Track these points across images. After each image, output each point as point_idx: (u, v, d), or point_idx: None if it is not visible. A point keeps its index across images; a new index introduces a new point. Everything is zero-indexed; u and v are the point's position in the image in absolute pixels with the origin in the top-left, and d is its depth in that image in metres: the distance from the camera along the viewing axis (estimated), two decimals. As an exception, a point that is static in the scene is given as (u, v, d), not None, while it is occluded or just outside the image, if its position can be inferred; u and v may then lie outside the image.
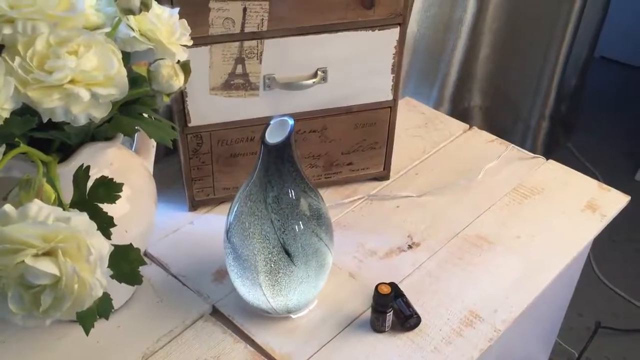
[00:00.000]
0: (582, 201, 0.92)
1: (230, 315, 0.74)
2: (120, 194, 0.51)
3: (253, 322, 0.73)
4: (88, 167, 0.52)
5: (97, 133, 0.60)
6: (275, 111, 0.80)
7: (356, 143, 0.89)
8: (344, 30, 0.78)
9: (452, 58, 1.55)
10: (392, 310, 0.71)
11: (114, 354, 0.69)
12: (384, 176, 0.94)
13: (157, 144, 0.76)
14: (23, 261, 0.42)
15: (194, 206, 0.88)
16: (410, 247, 0.84)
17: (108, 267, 0.50)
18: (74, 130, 0.56)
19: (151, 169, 0.74)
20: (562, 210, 0.90)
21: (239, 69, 0.77)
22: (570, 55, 1.79)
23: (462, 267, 0.81)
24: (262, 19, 0.74)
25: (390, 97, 0.86)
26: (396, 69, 0.83)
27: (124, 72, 0.54)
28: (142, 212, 0.67)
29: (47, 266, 0.42)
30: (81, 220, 0.44)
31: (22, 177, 0.48)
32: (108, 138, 0.61)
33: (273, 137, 0.63)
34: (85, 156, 0.58)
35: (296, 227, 0.65)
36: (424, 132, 1.06)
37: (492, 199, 0.92)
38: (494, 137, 1.05)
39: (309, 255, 0.67)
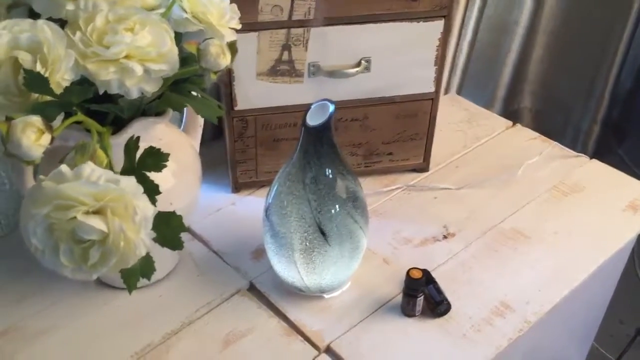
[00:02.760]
0: (624, 201, 0.91)
1: (266, 292, 0.76)
2: (166, 163, 0.54)
3: (287, 299, 0.76)
4: (138, 138, 0.56)
5: (148, 108, 0.64)
6: (319, 98, 0.82)
7: (397, 133, 0.90)
8: (389, 21, 0.80)
9: (506, 59, 1.54)
10: (422, 296, 0.73)
11: (154, 321, 0.72)
12: (423, 168, 0.96)
13: (204, 124, 0.79)
14: (75, 217, 0.45)
15: (237, 188, 0.91)
16: (445, 237, 0.85)
17: (152, 230, 0.54)
18: (127, 105, 0.60)
19: (197, 148, 0.77)
20: (603, 209, 0.90)
21: (285, 56, 0.80)
22: (626, 58, 1.75)
23: (497, 258, 0.82)
24: (309, 8, 0.76)
25: (433, 89, 0.87)
26: (439, 61, 0.84)
27: (175, 50, 0.57)
28: (186, 186, 0.71)
29: (96, 223, 0.46)
30: (129, 183, 0.48)
31: (78, 142, 0.51)
32: (158, 114, 0.65)
33: (314, 119, 0.65)
34: (136, 129, 0.61)
35: (332, 208, 0.68)
36: (466, 127, 1.07)
37: (532, 194, 0.92)
38: (537, 134, 1.05)
39: (343, 237, 0.69)
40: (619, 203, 0.91)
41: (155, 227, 0.54)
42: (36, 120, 0.45)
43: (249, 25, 0.76)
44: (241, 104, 0.82)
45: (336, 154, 0.68)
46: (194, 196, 0.73)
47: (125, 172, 0.56)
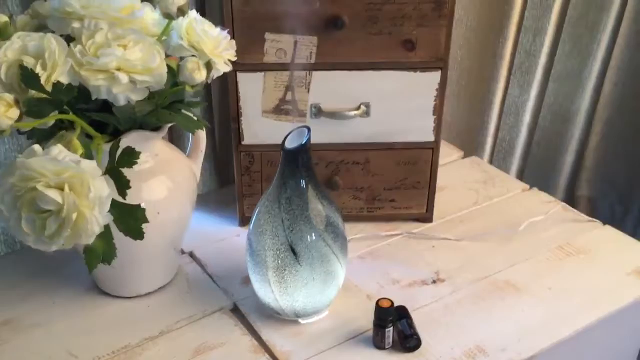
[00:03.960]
0: (631, 266, 0.89)
1: (246, 313, 0.80)
2: (137, 160, 0.61)
3: (264, 321, 0.78)
4: (119, 139, 0.63)
5: (145, 124, 0.71)
6: (320, 139, 0.88)
7: (398, 180, 0.94)
8: (387, 69, 0.85)
9: (569, 146, 1.49)
10: (391, 327, 0.73)
11: (137, 326, 0.77)
12: (426, 218, 0.97)
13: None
14: (35, 187, 0.52)
15: (243, 221, 0.96)
16: (434, 281, 0.86)
17: (117, 221, 0.60)
18: (122, 115, 0.68)
19: (198, 173, 0.84)
20: (605, 271, 0.88)
21: (289, 96, 0.86)
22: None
23: (482, 306, 0.81)
24: (311, 52, 0.83)
25: (432, 139, 0.90)
26: (437, 111, 0.88)
27: (163, 67, 0.65)
28: (177, 202, 0.77)
29: (53, 194, 0.52)
30: (89, 164, 0.54)
31: (60, 132, 0.59)
32: (155, 130, 0.73)
33: (292, 144, 0.71)
34: (130, 139, 0.68)
35: (304, 228, 0.71)
36: (480, 187, 1.08)
37: (533, 251, 0.91)
38: (553, 198, 1.05)
39: (314, 259, 0.72)
40: (624, 267, 0.88)
41: (120, 219, 0.60)
42: (7, 96, 0.53)
43: (255, 65, 0.84)
44: (248, 139, 0.89)
45: (312, 178, 0.72)
46: (184, 214, 0.79)
47: (108, 171, 0.63)
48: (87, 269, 0.81)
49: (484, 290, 0.84)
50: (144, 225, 0.71)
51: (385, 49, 0.84)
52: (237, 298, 0.82)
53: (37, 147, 0.54)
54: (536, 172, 1.47)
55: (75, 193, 0.53)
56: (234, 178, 1.07)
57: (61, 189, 0.53)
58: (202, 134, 0.83)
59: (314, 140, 0.86)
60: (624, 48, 1.27)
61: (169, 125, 0.75)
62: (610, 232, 0.97)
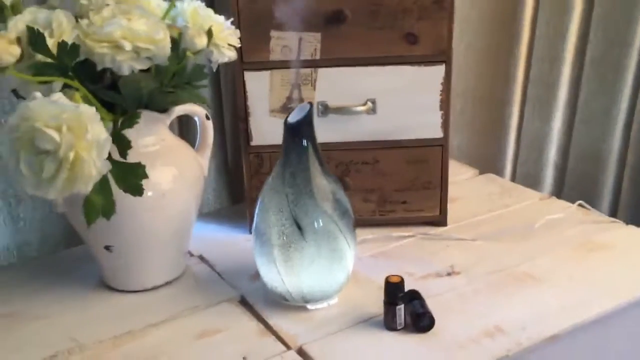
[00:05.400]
0: (657, 258, 0.85)
1: (253, 303, 0.78)
2: (138, 120, 0.62)
3: (272, 309, 0.76)
4: (132, 114, 0.65)
5: (151, 104, 0.73)
6: (328, 138, 0.88)
7: (409, 180, 0.93)
8: (391, 64, 0.87)
9: (603, 189, 1.44)
10: (403, 305, 0.70)
11: (141, 315, 0.75)
12: (440, 221, 0.95)
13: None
14: (34, 125, 0.53)
15: (255, 228, 0.95)
16: (449, 274, 0.83)
17: (118, 180, 0.60)
18: (129, 94, 0.70)
19: (206, 166, 0.84)
20: (628, 264, 0.84)
21: (295, 94, 0.88)
22: None
23: (499, 294, 0.78)
24: (315, 49, 0.86)
25: (441, 135, 0.90)
26: (444, 106, 0.89)
27: (167, 42, 0.67)
28: (183, 190, 0.76)
29: (51, 132, 0.53)
30: (88, 109, 0.55)
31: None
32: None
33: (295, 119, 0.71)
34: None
35: (308, 202, 0.71)
36: (496, 198, 1.06)
37: (552, 248, 0.88)
38: (574, 205, 1.01)
39: (320, 234, 0.71)
40: (650, 259, 0.85)
41: (121, 177, 0.61)
42: (9, 34, 0.55)
43: (262, 64, 0.86)
44: (256, 139, 0.90)
45: (317, 153, 0.72)
46: (190, 204, 0.78)
47: (112, 135, 0.64)
48: (95, 270, 0.82)
49: (502, 281, 0.81)
50: (148, 208, 0.72)
51: (388, 44, 0.85)
52: (245, 291, 0.80)
53: (38, 93, 0.56)
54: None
55: (73, 134, 0.54)
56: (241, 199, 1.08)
57: (59, 130, 0.54)
58: (209, 127, 0.84)
59: (322, 140, 0.86)
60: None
61: (176, 109, 0.76)
62: (634, 230, 0.93)
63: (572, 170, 1.34)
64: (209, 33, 0.68)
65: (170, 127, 0.81)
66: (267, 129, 0.89)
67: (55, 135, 0.53)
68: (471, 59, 1.33)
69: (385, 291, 0.71)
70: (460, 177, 1.14)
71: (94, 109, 0.56)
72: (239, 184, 1.09)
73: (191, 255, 0.90)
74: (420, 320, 0.70)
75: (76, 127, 0.54)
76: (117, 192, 0.65)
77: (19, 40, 0.56)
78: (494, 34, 1.31)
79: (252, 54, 0.85)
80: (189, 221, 0.80)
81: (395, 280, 0.70)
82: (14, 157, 0.54)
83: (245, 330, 0.72)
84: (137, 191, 0.61)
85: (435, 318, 0.71)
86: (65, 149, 0.53)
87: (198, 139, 0.85)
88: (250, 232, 0.94)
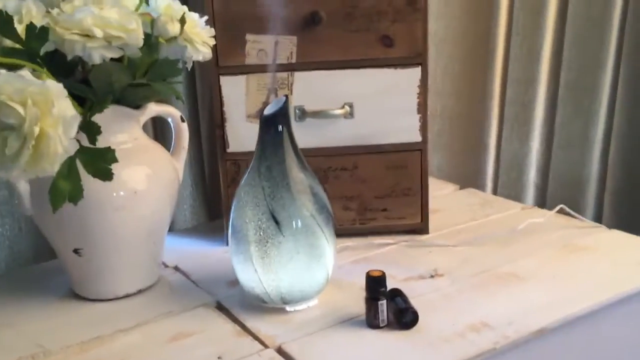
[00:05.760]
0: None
1: (230, 307, 0.74)
2: (108, 107, 0.60)
3: (250, 312, 0.73)
4: (100, 105, 0.63)
5: (123, 100, 0.71)
6: (306, 143, 0.87)
7: (389, 186, 0.91)
8: (368, 67, 0.86)
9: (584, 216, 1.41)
10: (385, 301, 0.68)
11: (111, 322, 0.72)
12: (422, 229, 0.94)
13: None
14: (-1, 99, 0.51)
15: (232, 240, 0.92)
16: (432, 276, 0.81)
17: (87, 165, 0.58)
18: (100, 87, 0.68)
19: (181, 170, 0.82)
20: (613, 263, 0.82)
21: (272, 99, 0.87)
22: None
23: (484, 293, 0.75)
24: (292, 52, 0.85)
25: (419, 139, 0.89)
26: (421, 109, 0.88)
27: (140, 32, 0.66)
28: (155, 191, 0.74)
29: (16, 106, 0.51)
30: (55, 85, 0.54)
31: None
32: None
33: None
34: (108, 114, 0.68)
35: (285, 194, 0.69)
36: (478, 209, 1.05)
37: (536, 250, 0.86)
38: (559, 215, 0.99)
39: (298, 229, 0.69)
40: (633, 259, 0.83)
41: (90, 163, 0.59)
42: None
43: (238, 68, 0.86)
44: (233, 146, 0.88)
45: (294, 146, 0.71)
46: (163, 206, 0.76)
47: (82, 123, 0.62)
48: (65, 282, 0.79)
49: (486, 282, 0.78)
50: (119, 207, 0.69)
51: (364, 46, 0.85)
52: (222, 297, 0.77)
53: (3, 70, 0.54)
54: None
55: (38, 108, 0.52)
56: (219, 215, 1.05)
57: (24, 104, 0.52)
58: (184, 130, 0.82)
59: (300, 145, 0.85)
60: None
61: (150, 109, 0.75)
62: (616, 234, 0.92)
63: (552, 193, 1.34)
64: (182, 21, 0.67)
65: (145, 131, 0.79)
66: (243, 135, 0.88)
67: (19, 108, 0.51)
68: (448, 80, 1.34)
69: (367, 286, 0.68)
70: (441, 192, 1.13)
71: (61, 85, 0.54)
72: (216, 199, 1.06)
73: (165, 266, 0.86)
74: (403, 316, 0.68)
75: (42, 102, 0.52)
76: (87, 189, 0.62)
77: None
78: (469, 55, 1.33)
79: (228, 58, 0.85)
80: (163, 224, 0.77)
81: (376, 274, 0.68)
82: (-24, 136, 0.52)
83: (221, 332, 0.69)
84: (107, 175, 0.59)
85: (419, 315, 0.68)
86: (29, 123, 0.51)
87: (173, 143, 0.83)
88: (228, 244, 0.92)
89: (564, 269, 0.81)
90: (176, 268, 0.86)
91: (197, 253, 0.91)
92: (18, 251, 0.93)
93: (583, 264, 0.82)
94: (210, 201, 1.06)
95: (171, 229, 0.92)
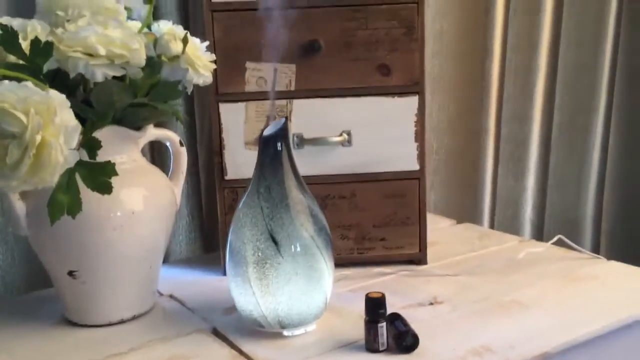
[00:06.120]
0: (643, 286, 0.83)
1: (226, 333, 0.73)
2: (109, 119, 0.60)
3: (247, 337, 0.71)
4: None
5: (124, 121, 0.71)
6: (305, 171, 0.86)
7: (387, 215, 0.91)
8: (366, 95, 0.87)
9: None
10: (385, 323, 0.67)
11: (104, 347, 0.70)
12: (420, 259, 0.93)
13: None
14: (0, 106, 0.51)
15: (228, 269, 0.91)
16: (431, 304, 0.79)
17: (87, 179, 0.58)
18: (101, 106, 0.68)
19: (179, 195, 0.82)
20: (616, 291, 0.81)
21: (271, 126, 0.87)
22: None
23: (486, 318, 0.74)
24: (290, 80, 0.86)
25: (417, 167, 0.90)
26: (419, 138, 0.89)
27: (142, 52, 0.67)
28: (153, 213, 0.73)
29: (18, 114, 0.51)
30: (58, 95, 0.54)
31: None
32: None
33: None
34: (107, 133, 0.68)
35: (284, 215, 0.68)
36: (476, 241, 1.04)
37: (536, 279, 0.85)
38: (556, 247, 0.99)
39: (296, 250, 0.68)
40: (633, 288, 0.82)
41: (90, 177, 0.58)
42: None
43: (237, 95, 0.86)
44: (231, 173, 0.88)
45: (293, 167, 0.71)
46: (160, 229, 0.75)
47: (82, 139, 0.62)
48: (58, 310, 0.77)
49: (488, 308, 0.77)
50: (116, 226, 0.69)
51: (362, 75, 0.87)
52: (218, 324, 0.75)
53: (6, 80, 0.54)
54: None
55: (41, 117, 0.52)
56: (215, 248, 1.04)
57: (27, 113, 0.52)
58: (183, 155, 0.82)
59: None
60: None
61: (150, 132, 0.75)
62: (615, 265, 0.91)
63: (548, 230, 1.34)
64: (184, 40, 0.68)
65: (143, 155, 0.79)
66: (242, 162, 0.88)
67: (22, 117, 0.51)
68: (444, 117, 1.35)
69: (366, 308, 0.67)
70: (438, 225, 1.13)
71: (63, 95, 0.55)
72: (212, 232, 1.05)
73: (160, 294, 0.85)
74: (403, 339, 0.66)
75: (44, 111, 0.52)
76: (84, 208, 0.62)
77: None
78: (464, 93, 1.35)
79: (227, 86, 0.86)
80: (159, 248, 0.77)
81: (376, 295, 0.67)
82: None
83: (217, 357, 0.67)
84: (106, 189, 0.58)
85: (420, 340, 0.67)
86: (31, 131, 0.51)
87: (171, 167, 0.83)
88: (224, 274, 0.90)
89: (565, 296, 0.80)
90: (171, 296, 0.85)
91: (192, 282, 0.90)
92: (10, 281, 0.92)
93: (584, 292, 0.81)
94: (206, 233, 1.05)
95: (166, 260, 0.91)
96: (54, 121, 0.52)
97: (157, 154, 0.98)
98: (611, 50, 1.21)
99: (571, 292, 0.81)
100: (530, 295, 0.80)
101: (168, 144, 0.82)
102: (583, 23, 1.24)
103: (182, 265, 0.98)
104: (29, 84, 0.54)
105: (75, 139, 0.54)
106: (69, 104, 0.55)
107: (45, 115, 0.52)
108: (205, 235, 1.05)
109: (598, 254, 1.24)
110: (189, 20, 0.99)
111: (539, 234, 1.34)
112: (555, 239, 0.97)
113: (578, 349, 0.70)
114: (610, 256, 0.98)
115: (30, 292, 0.90)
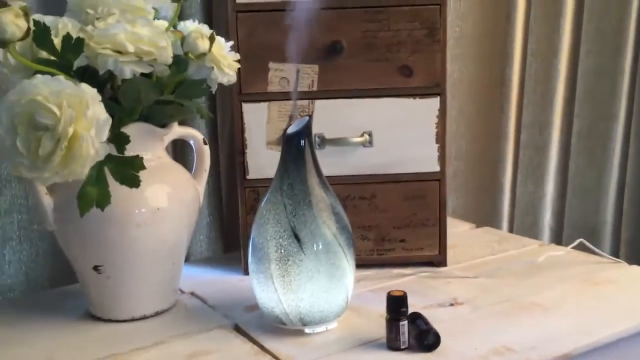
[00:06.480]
0: (666, 290, 0.82)
1: (248, 330, 0.73)
2: (137, 116, 0.61)
3: (268, 334, 0.72)
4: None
5: (150, 118, 0.72)
6: (326, 172, 0.87)
7: (407, 217, 0.91)
8: (387, 96, 0.88)
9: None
10: (407, 321, 0.67)
11: (128, 341, 0.71)
12: (440, 261, 0.93)
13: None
14: (34, 98, 0.52)
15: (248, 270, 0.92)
16: (452, 304, 0.80)
17: (114, 173, 0.59)
18: (128, 102, 0.69)
19: (202, 192, 0.83)
20: (636, 294, 0.81)
21: (293, 126, 0.88)
22: None
23: (507, 319, 0.74)
24: (313, 81, 0.87)
25: (437, 169, 0.90)
26: (440, 139, 0.89)
27: (169, 50, 0.68)
28: (176, 209, 0.74)
29: (52, 107, 0.52)
30: (89, 88, 0.55)
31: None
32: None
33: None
34: (133, 130, 0.69)
35: (307, 212, 0.69)
36: (495, 245, 1.04)
37: (557, 283, 0.85)
38: (576, 251, 0.99)
39: (319, 247, 0.68)
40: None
41: (118, 170, 0.59)
42: (17, 4, 0.55)
43: (260, 95, 0.87)
44: (253, 173, 0.89)
45: (316, 165, 0.71)
46: (183, 225, 0.76)
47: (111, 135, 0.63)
48: (81, 305, 0.78)
49: (509, 310, 0.77)
50: (140, 223, 0.70)
51: (383, 76, 0.87)
52: (240, 320, 0.76)
53: (39, 74, 0.55)
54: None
55: (73, 110, 0.53)
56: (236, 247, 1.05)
57: (60, 106, 0.53)
58: (206, 153, 0.83)
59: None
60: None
61: (174, 129, 0.76)
62: (638, 270, 0.91)
63: (567, 236, 1.33)
64: (211, 38, 0.69)
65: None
66: (263, 162, 0.89)
67: (55, 109, 0.52)
68: (462, 122, 1.35)
69: (388, 306, 0.67)
70: (457, 229, 1.13)
71: (95, 90, 0.56)
72: (233, 232, 1.06)
73: (182, 292, 0.86)
74: (424, 337, 0.66)
75: (77, 104, 0.53)
76: (110, 205, 0.63)
77: (26, 17, 0.56)
78: (483, 97, 1.35)
79: (251, 86, 0.87)
80: (182, 244, 0.77)
81: (398, 294, 0.67)
82: (10, 135, 0.53)
83: (239, 352, 0.68)
84: (134, 182, 0.59)
85: (441, 339, 0.67)
86: (64, 124, 0.52)
87: (195, 165, 0.84)
88: (245, 274, 0.91)
89: (586, 299, 0.79)
90: (192, 294, 0.85)
91: (213, 280, 0.90)
92: (34, 277, 0.93)
93: (605, 295, 0.81)
94: (226, 233, 1.06)
95: (186, 259, 0.92)
96: (86, 114, 0.53)
97: (179, 152, 0.99)
98: (632, 57, 1.21)
99: (592, 296, 0.81)
100: (551, 297, 0.80)
101: (192, 142, 0.83)
102: (603, 29, 1.23)
103: (203, 264, 0.99)
104: (62, 77, 0.55)
105: (106, 132, 0.55)
106: (100, 97, 0.56)
107: (78, 108, 0.53)
108: (225, 235, 1.06)
109: (618, 256, 1.24)
110: (212, 22, 1.00)
111: (558, 241, 1.34)
112: (576, 242, 0.97)
113: (599, 351, 0.69)
114: (630, 263, 0.98)
115: (53, 288, 0.92)
